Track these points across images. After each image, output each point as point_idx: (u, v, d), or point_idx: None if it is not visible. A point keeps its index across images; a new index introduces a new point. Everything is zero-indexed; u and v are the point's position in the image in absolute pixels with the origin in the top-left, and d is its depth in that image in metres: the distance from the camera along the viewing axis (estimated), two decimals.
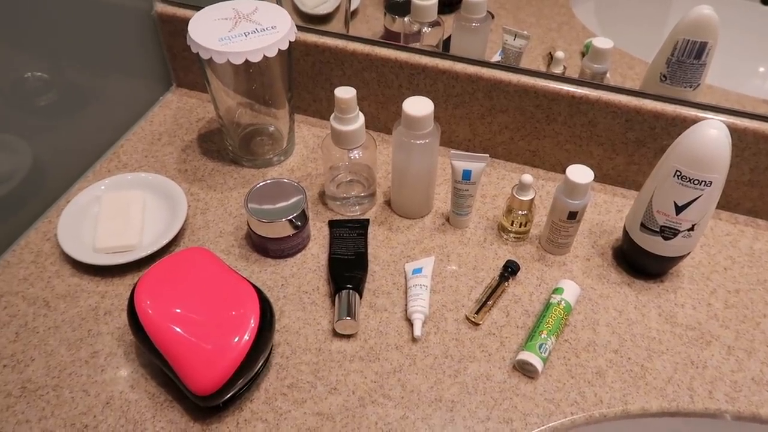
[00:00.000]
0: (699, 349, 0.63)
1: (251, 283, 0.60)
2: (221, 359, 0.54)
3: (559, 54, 0.80)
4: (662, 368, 0.61)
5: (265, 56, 0.68)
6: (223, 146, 0.84)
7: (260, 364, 0.58)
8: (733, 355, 0.62)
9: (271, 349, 0.61)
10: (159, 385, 0.59)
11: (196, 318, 0.56)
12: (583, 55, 0.82)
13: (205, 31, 0.68)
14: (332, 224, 0.73)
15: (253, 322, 0.56)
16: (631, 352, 0.62)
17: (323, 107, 0.87)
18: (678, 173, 0.59)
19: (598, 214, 0.76)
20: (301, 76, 0.84)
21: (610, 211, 0.77)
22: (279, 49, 0.68)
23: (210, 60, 0.67)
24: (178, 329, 0.55)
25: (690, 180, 0.59)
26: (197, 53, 0.68)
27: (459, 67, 0.75)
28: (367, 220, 0.74)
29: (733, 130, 0.67)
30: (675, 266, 0.69)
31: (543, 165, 0.81)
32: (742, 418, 0.59)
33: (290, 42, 0.70)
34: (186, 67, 0.91)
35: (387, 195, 0.77)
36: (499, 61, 0.80)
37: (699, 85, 0.73)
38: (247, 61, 0.67)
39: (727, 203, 0.76)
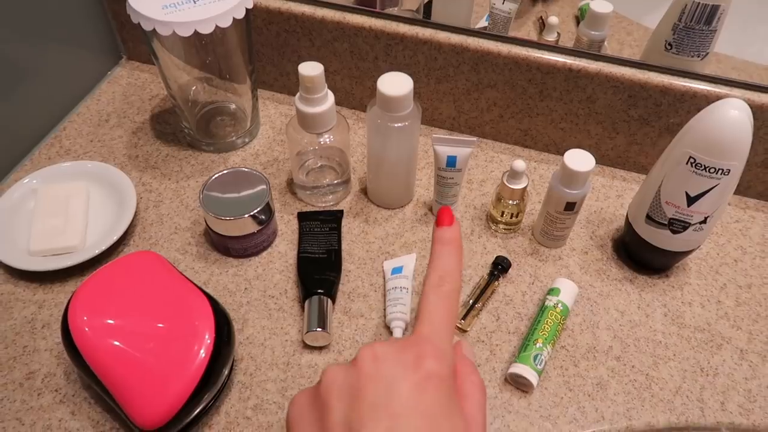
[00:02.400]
0: (709, 354, 0.57)
1: (205, 293, 0.52)
2: (171, 384, 0.47)
3: (553, 19, 0.72)
4: (669, 377, 0.55)
5: (217, 27, 0.58)
6: (179, 128, 0.75)
7: (219, 384, 0.51)
8: (746, 360, 0.56)
9: (232, 365, 0.54)
10: (104, 411, 0.52)
11: (141, 336, 0.48)
12: (578, 20, 0.74)
13: None
14: (302, 217, 0.65)
15: (208, 338, 0.49)
16: (634, 359, 0.56)
17: (291, 82, 0.78)
18: (692, 160, 0.52)
19: (596, 200, 0.69)
20: (265, 48, 0.75)
21: (609, 197, 0.70)
22: (234, 18, 0.59)
23: (154, 31, 0.58)
24: (119, 350, 0.47)
25: (705, 168, 0.51)
26: (138, 23, 0.58)
27: (442, 36, 0.67)
28: (341, 212, 0.66)
29: (749, 107, 0.59)
30: (682, 260, 0.62)
31: (535, 145, 0.74)
32: (758, 431, 0.53)
33: (247, 9, 0.61)
34: (136, 37, 0.81)
35: (363, 181, 0.69)
36: (485, 28, 0.72)
37: (707, 53, 0.65)
38: (197, 32, 0.58)
39: (737, 186, 0.69)
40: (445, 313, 0.34)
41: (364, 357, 0.31)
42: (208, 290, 0.59)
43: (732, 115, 0.49)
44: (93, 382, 0.48)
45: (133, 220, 0.64)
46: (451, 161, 0.60)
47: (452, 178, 0.62)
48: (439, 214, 0.36)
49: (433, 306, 0.34)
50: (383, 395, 0.29)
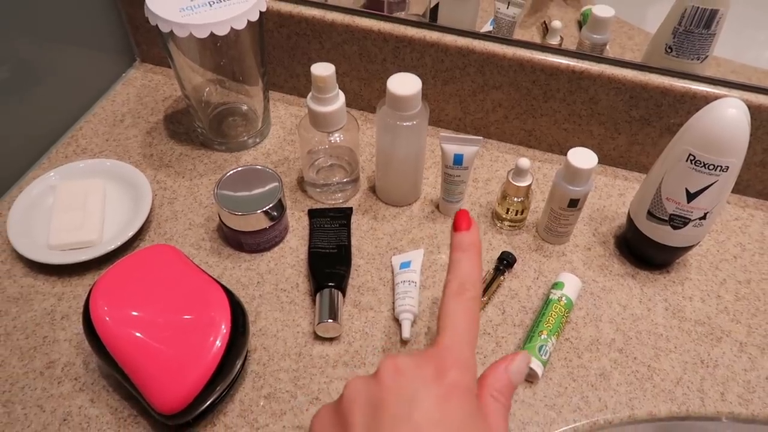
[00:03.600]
0: (709, 347, 0.58)
1: (221, 285, 0.54)
2: (188, 373, 0.49)
3: (556, 23, 0.74)
4: (670, 368, 0.56)
5: (232, 29, 0.60)
6: (192, 128, 0.77)
7: (234, 373, 0.53)
8: (746, 353, 0.58)
9: (246, 355, 0.56)
10: (123, 399, 0.53)
11: (159, 326, 0.50)
12: (581, 24, 0.76)
13: (165, 0, 0.61)
14: (312, 214, 0.67)
15: (224, 328, 0.51)
16: (636, 350, 0.58)
17: (301, 84, 0.80)
18: (691, 157, 0.53)
19: (598, 198, 0.71)
20: (276, 50, 0.77)
21: (611, 195, 0.71)
22: (248, 21, 0.61)
23: (171, 33, 0.60)
24: (139, 340, 0.49)
25: (704, 165, 0.53)
26: (156, 26, 0.60)
27: (449, 39, 0.69)
28: (350, 209, 0.68)
29: (748, 107, 0.61)
30: (682, 256, 0.64)
31: (539, 145, 0.76)
32: (756, 421, 0.54)
33: (261, 12, 0.63)
34: (150, 40, 0.83)
35: (372, 180, 0.71)
36: (490, 32, 0.74)
37: (707, 56, 0.67)
38: (212, 34, 0.60)
39: (736, 185, 0.70)
40: (467, 322, 0.33)
41: (386, 369, 0.31)
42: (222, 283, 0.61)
43: (730, 113, 0.51)
44: (114, 369, 0.50)
45: (148, 216, 0.66)
46: (458, 159, 0.62)
47: (459, 175, 0.63)
48: (457, 219, 0.36)
49: (454, 314, 0.33)
50: (405, 408, 0.29)
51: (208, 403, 0.51)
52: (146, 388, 0.48)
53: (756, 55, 0.75)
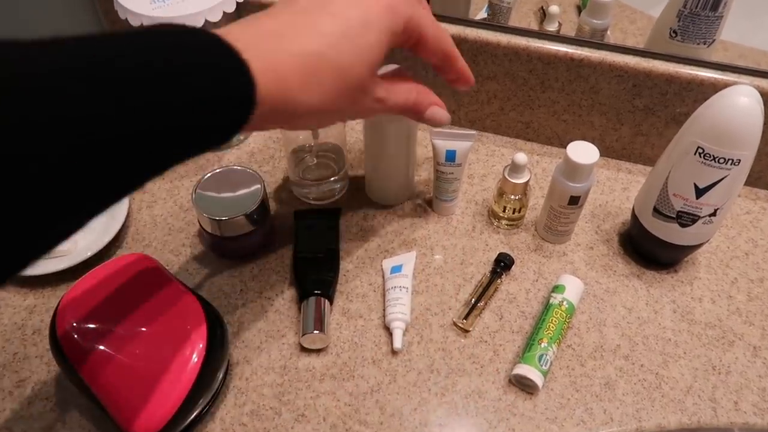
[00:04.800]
0: (721, 352, 0.55)
1: (198, 296, 0.51)
2: (162, 392, 0.45)
3: (554, 8, 0.70)
4: (680, 376, 0.53)
5: (207, 21, 0.57)
6: None
7: (213, 390, 0.50)
8: (760, 357, 0.54)
9: (227, 369, 0.53)
10: (98, 419, 0.50)
11: (131, 342, 0.47)
12: (580, 9, 0.72)
13: None
14: (298, 215, 0.63)
15: (200, 343, 0.48)
16: (643, 357, 0.54)
17: None
18: (700, 150, 0.50)
19: (601, 193, 0.67)
20: None
21: (614, 190, 0.67)
22: (224, 12, 0.58)
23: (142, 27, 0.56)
24: (109, 356, 0.46)
25: (714, 158, 0.49)
26: (126, 19, 0.56)
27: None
28: (339, 210, 0.64)
29: (760, 94, 0.58)
30: (691, 254, 0.60)
31: (538, 138, 0.72)
32: None
33: (238, 3, 0.59)
34: None
35: (361, 178, 0.68)
36: (485, 19, 0.70)
37: (714, 41, 0.63)
38: None
39: (746, 177, 0.67)
40: None
41: None
42: (202, 292, 0.57)
43: (742, 102, 0.47)
44: (82, 390, 0.47)
45: (126, 222, 0.62)
46: (450, 155, 0.58)
47: (452, 173, 0.60)
48: None
49: None
50: None
51: (186, 423, 0.48)
52: (116, 410, 0.45)
53: (766, 38, 0.71)
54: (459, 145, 0.58)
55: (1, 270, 0.27)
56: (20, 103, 0.24)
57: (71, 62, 0.27)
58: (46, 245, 0.28)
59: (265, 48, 0.33)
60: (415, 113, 0.45)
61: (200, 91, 0.30)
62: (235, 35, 0.32)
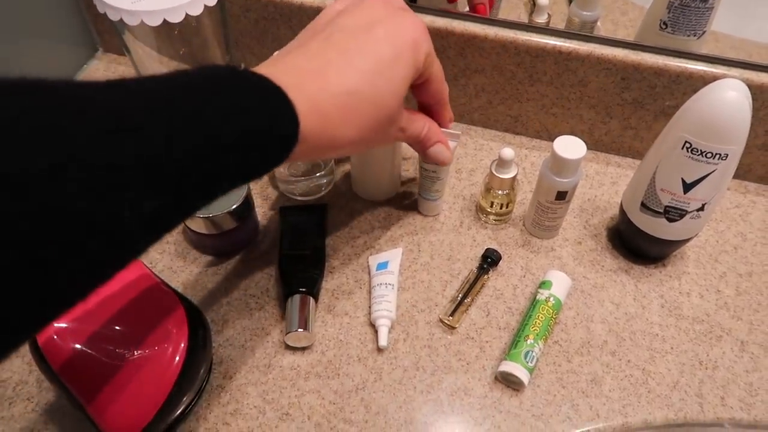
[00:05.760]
0: (708, 347, 0.54)
1: (179, 295, 0.50)
2: (143, 392, 0.45)
3: (543, 0, 0.69)
4: (667, 371, 0.53)
5: (189, 15, 0.56)
6: None
7: (195, 390, 0.49)
8: (747, 352, 0.54)
9: (210, 368, 0.52)
10: (81, 420, 0.49)
11: (112, 342, 0.46)
12: (570, 0, 0.71)
13: None
14: (284, 211, 0.63)
15: (182, 342, 0.47)
16: (630, 353, 0.54)
17: None
18: (687, 145, 0.49)
19: (589, 187, 0.67)
20: (244, 36, 0.72)
21: (603, 184, 0.67)
22: (206, 6, 0.56)
23: (122, 22, 0.55)
24: (89, 357, 0.45)
25: (702, 153, 0.49)
26: (104, 13, 0.55)
27: (426, 20, 0.64)
28: (325, 206, 0.64)
29: (749, 87, 0.56)
30: (679, 248, 0.60)
31: (526, 132, 0.71)
32: (759, 426, 0.51)
33: None
34: (111, 29, 0.77)
35: (348, 173, 0.67)
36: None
37: (704, 32, 0.62)
38: (166, 21, 0.55)
39: (736, 170, 0.66)
40: None
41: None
42: (186, 291, 0.57)
43: (729, 96, 0.47)
44: (62, 390, 0.46)
45: None
46: None
47: (435, 172, 0.58)
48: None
49: None
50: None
51: (168, 423, 0.47)
52: (96, 411, 0.45)
53: (757, 28, 0.70)
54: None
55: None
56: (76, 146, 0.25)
57: (130, 102, 0.28)
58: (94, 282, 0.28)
59: (308, 88, 0.35)
60: (422, 146, 0.48)
61: (252, 129, 0.32)
62: (278, 75, 0.34)
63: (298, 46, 0.40)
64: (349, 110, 0.37)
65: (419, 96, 0.48)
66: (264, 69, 0.35)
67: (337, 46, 0.39)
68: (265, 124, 0.32)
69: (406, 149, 0.68)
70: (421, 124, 0.47)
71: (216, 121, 0.30)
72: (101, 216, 0.25)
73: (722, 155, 0.48)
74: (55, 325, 0.46)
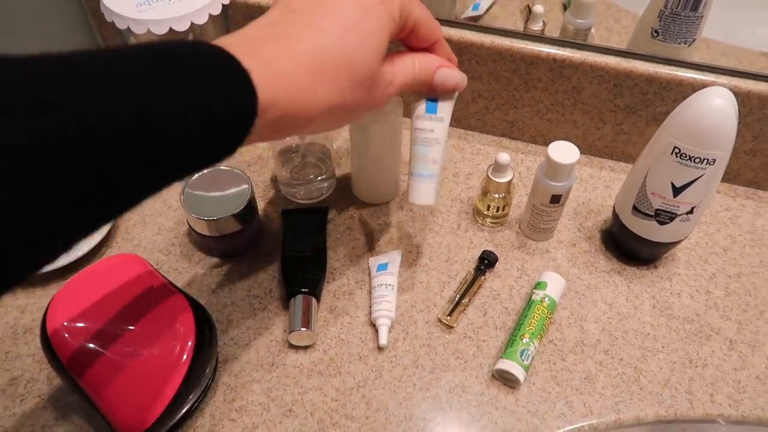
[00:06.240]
0: (698, 345, 0.56)
1: (186, 295, 0.51)
2: (152, 389, 0.46)
3: (538, 8, 0.71)
4: (658, 369, 0.54)
5: (194, 23, 0.57)
6: None
7: (202, 387, 0.51)
8: (736, 351, 0.56)
9: (216, 366, 0.54)
10: (90, 416, 0.51)
11: (122, 341, 0.47)
12: (566, 7, 0.73)
13: None
14: (286, 214, 0.64)
15: (189, 341, 0.49)
16: (623, 351, 0.55)
17: None
18: (676, 150, 0.51)
19: (583, 191, 0.68)
20: None
21: (597, 188, 0.69)
22: (210, 15, 0.58)
23: (129, 30, 0.57)
24: (100, 355, 0.47)
25: (690, 158, 0.51)
26: (112, 22, 0.57)
27: None
28: (326, 209, 0.65)
29: (736, 94, 0.58)
30: (670, 250, 0.61)
31: (522, 137, 0.73)
32: (747, 422, 0.53)
33: (224, 5, 0.60)
34: (116, 36, 0.79)
35: (349, 176, 0.69)
36: (474, 18, 0.71)
37: (695, 40, 0.64)
38: (172, 30, 0.57)
39: (725, 174, 0.67)
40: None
41: None
42: (191, 291, 0.58)
43: (716, 103, 0.48)
44: (73, 387, 0.48)
45: (115, 222, 0.63)
46: (432, 106, 0.47)
47: (432, 130, 0.47)
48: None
49: None
50: None
51: (176, 419, 0.49)
52: (107, 407, 0.46)
53: (747, 35, 0.72)
54: (442, 100, 0.48)
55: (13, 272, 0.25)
56: (25, 122, 0.23)
57: (67, 79, 0.25)
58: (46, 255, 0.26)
59: (267, 53, 0.32)
60: (425, 84, 0.43)
61: (195, 104, 0.28)
62: (233, 45, 0.31)
63: (258, 20, 0.36)
64: (318, 71, 0.34)
65: (411, 44, 0.43)
66: (221, 41, 0.32)
67: (298, 11, 0.35)
68: (210, 97, 0.28)
69: (406, 153, 0.70)
70: (410, 62, 0.42)
71: (149, 97, 0.26)
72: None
73: (710, 160, 0.50)
74: (66, 324, 0.48)
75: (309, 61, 0.33)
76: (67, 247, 0.26)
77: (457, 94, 0.48)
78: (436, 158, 0.47)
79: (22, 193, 0.23)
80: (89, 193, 0.25)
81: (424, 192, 0.48)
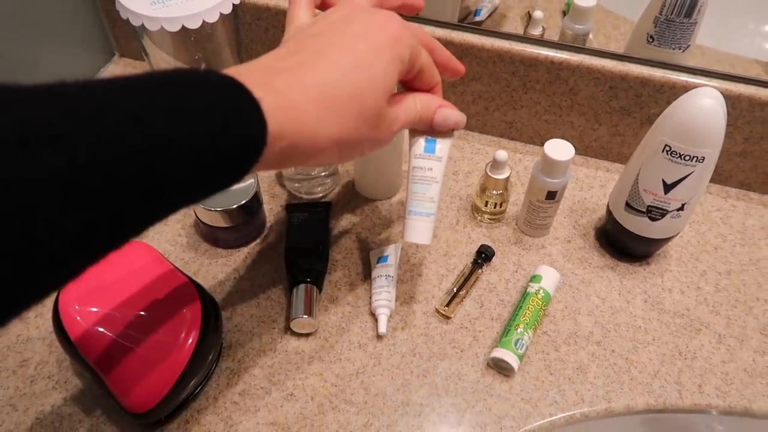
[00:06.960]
0: (688, 339, 0.58)
1: (193, 282, 0.53)
2: (158, 370, 0.48)
3: (538, 14, 0.73)
4: (648, 361, 0.56)
5: (206, 22, 0.60)
6: None
7: (206, 370, 0.52)
8: (724, 344, 0.58)
9: (220, 351, 0.55)
10: (97, 397, 0.53)
11: (130, 325, 0.49)
12: (565, 13, 0.75)
13: None
14: (290, 208, 0.66)
15: (195, 326, 0.50)
16: (615, 343, 0.57)
17: None
18: (667, 148, 0.53)
19: (579, 190, 0.70)
20: (254, 43, 0.76)
21: (592, 187, 0.71)
22: (221, 14, 0.60)
23: (143, 27, 0.59)
24: (110, 338, 0.48)
25: (681, 156, 0.53)
26: (127, 19, 0.59)
27: (426, 30, 0.68)
28: (329, 204, 0.67)
29: (727, 97, 0.60)
30: (662, 247, 0.63)
31: (520, 137, 0.75)
32: (733, 413, 0.54)
33: (235, 5, 0.62)
34: (128, 34, 0.82)
35: (352, 173, 0.71)
36: (478, 22, 0.73)
37: (689, 46, 0.66)
38: (184, 27, 0.59)
39: (717, 176, 0.70)
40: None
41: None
42: (197, 280, 0.60)
43: (705, 103, 0.50)
44: (84, 368, 0.49)
45: None
46: (430, 146, 0.49)
47: (431, 169, 0.48)
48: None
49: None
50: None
51: (180, 400, 0.50)
52: (116, 387, 0.48)
53: (739, 43, 0.74)
54: (440, 140, 0.51)
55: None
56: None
57: (78, 107, 0.25)
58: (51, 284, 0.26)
59: (278, 84, 0.33)
60: (426, 121, 0.45)
61: (203, 131, 0.28)
62: (244, 75, 0.32)
63: (270, 54, 0.37)
64: (327, 105, 0.35)
65: (414, 86, 0.44)
66: (229, 70, 0.32)
67: (311, 47, 0.37)
68: (220, 125, 0.29)
69: (407, 152, 0.72)
70: (411, 102, 0.43)
71: (160, 124, 0.27)
72: (7, 237, 0.22)
73: (699, 158, 0.52)
74: (78, 307, 0.50)
75: (319, 94, 0.34)
76: (73, 275, 0.26)
77: (455, 133, 0.49)
78: (434, 197, 0.49)
79: (33, 223, 0.23)
80: (98, 222, 0.25)
81: (420, 231, 0.49)
